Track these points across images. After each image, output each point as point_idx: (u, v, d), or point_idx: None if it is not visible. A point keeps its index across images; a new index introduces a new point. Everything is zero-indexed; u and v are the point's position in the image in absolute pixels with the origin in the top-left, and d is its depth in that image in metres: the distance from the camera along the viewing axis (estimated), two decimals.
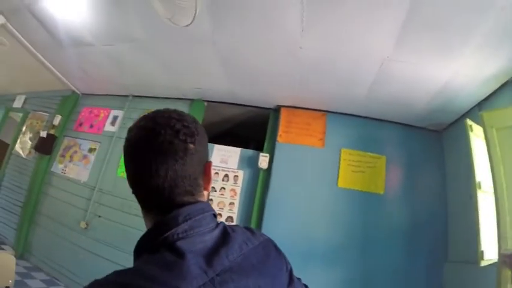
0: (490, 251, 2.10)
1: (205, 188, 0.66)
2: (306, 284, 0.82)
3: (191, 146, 0.60)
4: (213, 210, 0.64)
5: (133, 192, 0.63)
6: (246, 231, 0.70)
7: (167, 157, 0.57)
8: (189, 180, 0.61)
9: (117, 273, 0.51)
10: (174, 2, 1.59)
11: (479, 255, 2.10)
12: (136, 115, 4.03)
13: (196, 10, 1.65)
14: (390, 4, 1.95)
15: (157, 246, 0.55)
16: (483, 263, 2.09)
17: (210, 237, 0.59)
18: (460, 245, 2.83)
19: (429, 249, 3.04)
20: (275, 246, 0.72)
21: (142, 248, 0.58)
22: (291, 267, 0.74)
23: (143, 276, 0.48)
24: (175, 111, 0.65)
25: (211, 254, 0.56)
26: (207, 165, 0.66)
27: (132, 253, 0.60)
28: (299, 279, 0.79)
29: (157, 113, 0.64)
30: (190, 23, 1.79)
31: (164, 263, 0.51)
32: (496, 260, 2.01)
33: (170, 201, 0.59)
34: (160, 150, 0.57)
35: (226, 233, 0.63)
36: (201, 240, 0.57)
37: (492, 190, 2.09)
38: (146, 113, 0.66)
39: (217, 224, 0.64)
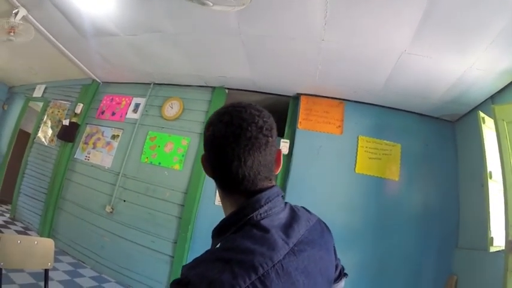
0: (498, 238, 2.16)
1: (275, 172, 0.74)
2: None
3: (270, 139, 0.68)
4: (282, 192, 0.73)
5: (215, 178, 0.71)
6: (305, 210, 0.79)
7: (254, 150, 0.65)
8: (267, 168, 0.69)
9: (214, 251, 0.60)
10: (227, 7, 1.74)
11: (489, 241, 2.16)
12: (158, 102, 4.11)
13: None
14: (409, 2, 2.02)
15: (242, 225, 0.64)
16: (492, 249, 2.16)
17: (283, 215, 0.69)
18: (470, 232, 2.90)
19: (441, 234, 3.12)
20: (325, 224, 0.82)
21: (227, 227, 0.66)
22: (335, 244, 0.84)
23: (242, 251, 0.56)
24: (250, 105, 0.71)
25: (287, 228, 0.66)
26: (278, 152, 0.74)
27: (211, 232, 0.69)
28: (338, 259, 0.88)
29: (238, 108, 0.70)
30: (250, 1, 1.94)
31: (256, 239, 0.59)
32: (503, 247, 2.09)
33: (253, 186, 0.68)
34: (247, 145, 0.64)
35: (293, 211, 0.73)
36: (277, 218, 0.67)
37: (501, 180, 2.14)
38: (223, 108, 0.72)
39: (286, 204, 0.74)
